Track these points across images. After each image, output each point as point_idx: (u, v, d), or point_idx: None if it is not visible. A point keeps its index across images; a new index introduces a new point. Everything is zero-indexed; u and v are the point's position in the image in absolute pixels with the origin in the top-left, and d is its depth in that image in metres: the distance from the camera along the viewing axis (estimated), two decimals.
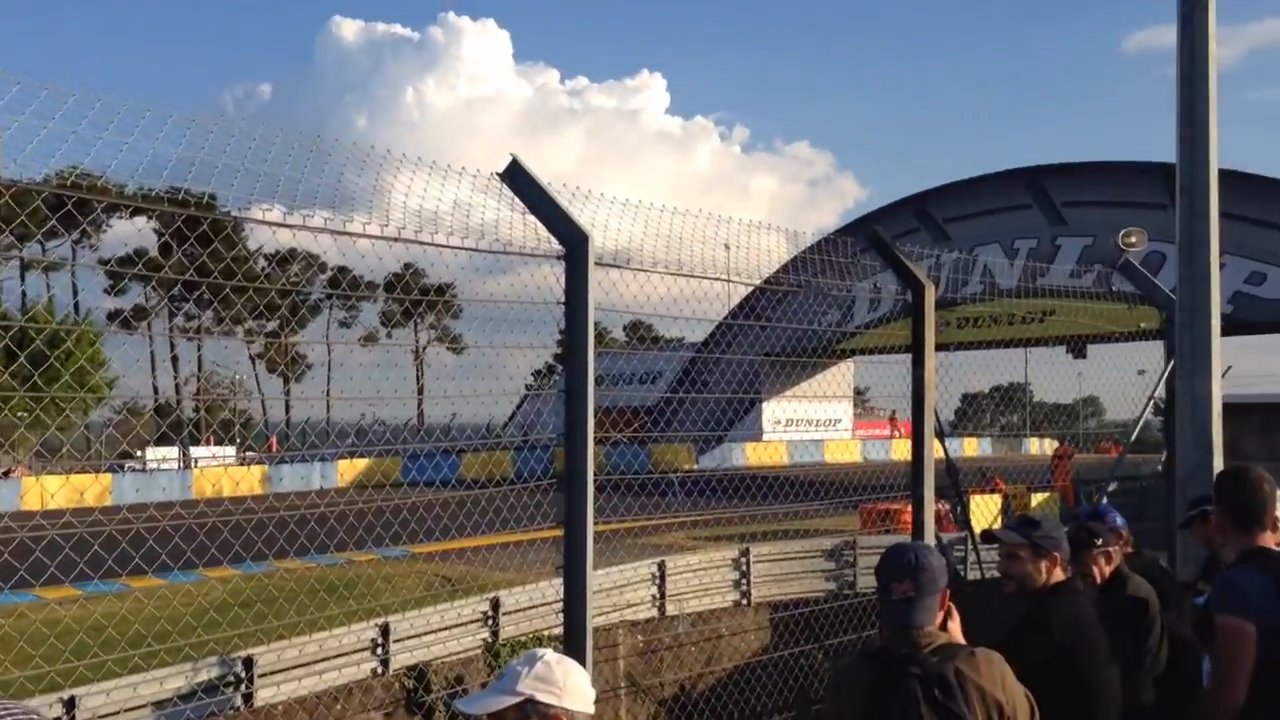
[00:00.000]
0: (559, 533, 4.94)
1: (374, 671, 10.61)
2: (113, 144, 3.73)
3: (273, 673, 9.52)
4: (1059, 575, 4.45)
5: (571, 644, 4.82)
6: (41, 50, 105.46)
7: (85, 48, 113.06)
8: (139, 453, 29.88)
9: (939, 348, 7.03)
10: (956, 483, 9.12)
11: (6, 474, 26.20)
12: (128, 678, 8.24)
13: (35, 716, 1.90)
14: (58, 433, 7.01)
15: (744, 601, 14.66)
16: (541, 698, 2.52)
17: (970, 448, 45.18)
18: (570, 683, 2.56)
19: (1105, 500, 9.32)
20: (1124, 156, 36.02)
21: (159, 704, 8.55)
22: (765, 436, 46.84)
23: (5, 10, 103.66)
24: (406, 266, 6.74)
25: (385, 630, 10.76)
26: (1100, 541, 5.07)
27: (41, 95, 3.52)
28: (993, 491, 18.24)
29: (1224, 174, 7.77)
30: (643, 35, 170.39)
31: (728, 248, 6.56)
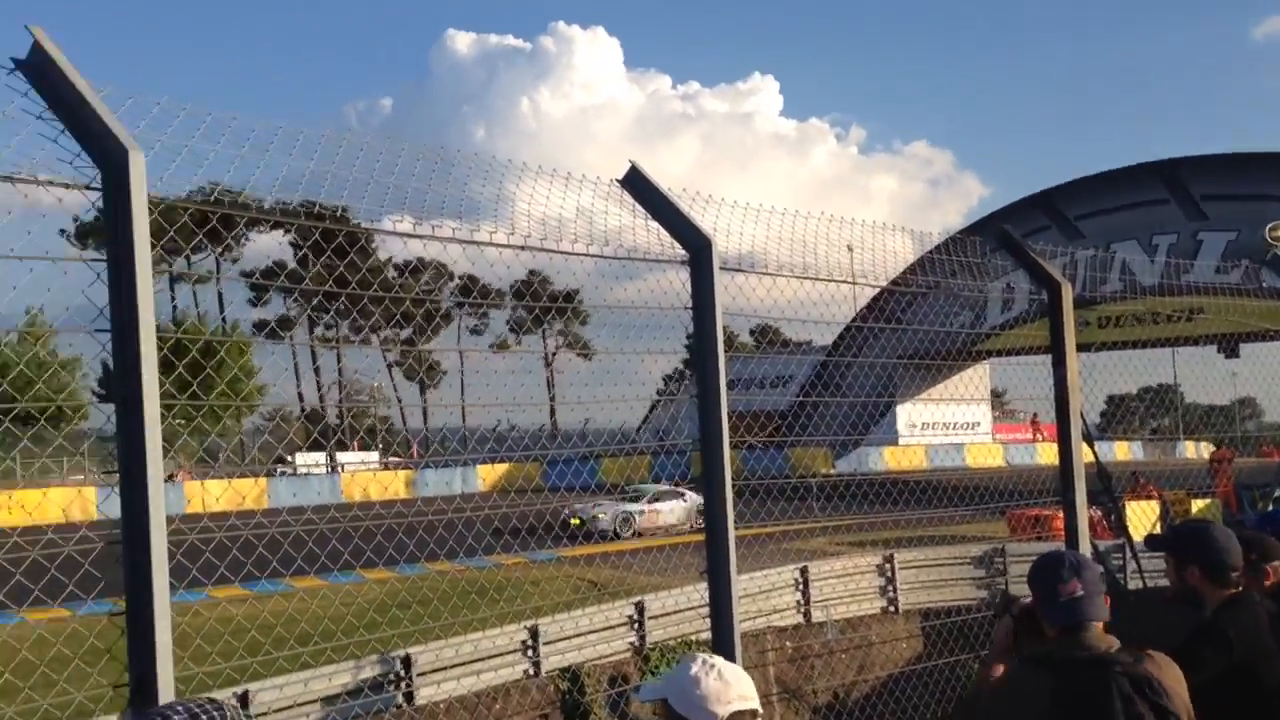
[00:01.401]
0: (700, 537, 4.97)
1: (526, 673, 10.78)
2: (249, 162, 3.85)
3: (431, 671, 9.76)
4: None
5: (720, 648, 4.80)
6: (165, 62, 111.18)
7: (205, 64, 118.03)
8: (289, 457, 30.96)
9: (1079, 348, 6.82)
10: (1109, 488, 8.80)
11: (170, 478, 27.39)
12: (299, 674, 8.54)
13: (225, 708, 1.98)
14: (217, 438, 7.26)
15: (891, 608, 14.45)
16: (671, 702, 2.56)
17: (1122, 451, 43.65)
18: (699, 691, 2.54)
19: (1274, 506, 8.91)
20: (1260, 147, 34.35)
21: (328, 699, 8.85)
22: (901, 440, 46.08)
23: (149, 30, 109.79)
24: (533, 273, 6.79)
25: (534, 633, 10.92)
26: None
27: (180, 116, 3.64)
28: (1147, 498, 17.54)
29: None
30: (753, 38, 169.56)
31: (851, 249, 6.46)
